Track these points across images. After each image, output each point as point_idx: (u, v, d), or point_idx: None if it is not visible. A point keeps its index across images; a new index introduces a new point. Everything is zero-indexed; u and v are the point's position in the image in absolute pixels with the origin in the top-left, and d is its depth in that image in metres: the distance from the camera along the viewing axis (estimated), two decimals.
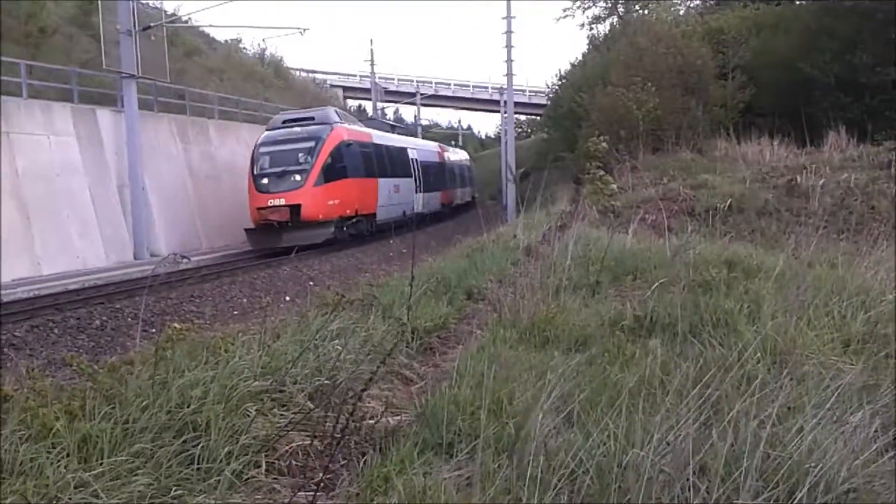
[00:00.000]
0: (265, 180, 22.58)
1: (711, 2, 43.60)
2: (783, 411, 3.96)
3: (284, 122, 24.40)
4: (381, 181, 27.05)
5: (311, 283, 16.13)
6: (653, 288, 7.07)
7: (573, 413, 4.01)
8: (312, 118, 24.32)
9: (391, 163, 29.01)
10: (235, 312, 13.08)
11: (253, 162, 23.24)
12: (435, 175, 36.38)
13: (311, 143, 22.82)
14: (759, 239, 14.64)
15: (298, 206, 21.89)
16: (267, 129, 24.55)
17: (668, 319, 6.17)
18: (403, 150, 32.12)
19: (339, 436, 3.49)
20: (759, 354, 5.12)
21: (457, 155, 47.10)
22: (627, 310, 6.66)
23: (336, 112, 25.80)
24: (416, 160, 32.77)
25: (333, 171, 22.92)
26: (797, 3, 33.45)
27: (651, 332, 6.04)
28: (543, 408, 3.85)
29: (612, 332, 6.14)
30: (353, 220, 24.06)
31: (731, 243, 11.46)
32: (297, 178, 22.27)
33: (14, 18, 28.28)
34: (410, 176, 31.57)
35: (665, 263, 8.65)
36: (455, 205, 41.13)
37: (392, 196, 28.17)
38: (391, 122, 36.67)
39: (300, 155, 22.61)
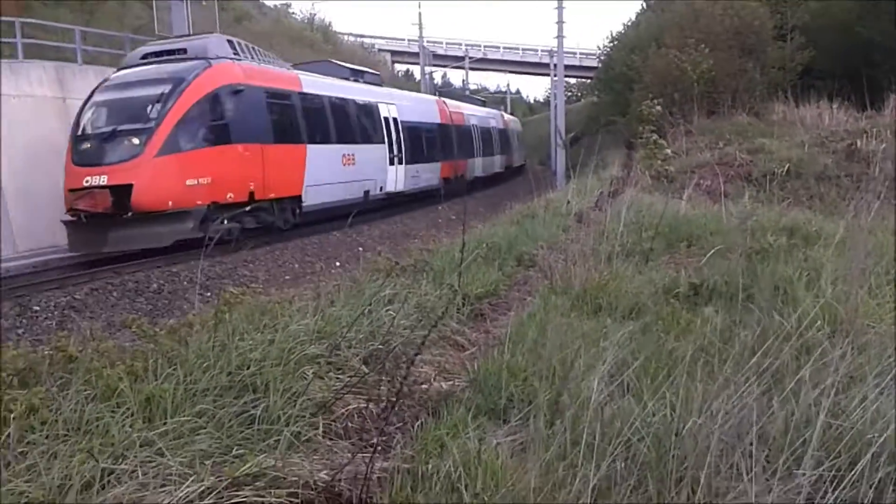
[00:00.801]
0: (86, 146, 14.52)
1: None
2: (844, 381, 3.88)
3: (144, 56, 16.27)
4: (314, 149, 18.53)
5: (361, 248, 16.22)
6: (708, 255, 6.96)
7: (628, 381, 3.99)
8: (184, 50, 15.99)
9: (339, 122, 20.25)
10: (287, 277, 13.25)
11: (78, 119, 15.21)
12: (431, 141, 27.46)
13: (166, 88, 14.58)
14: (817, 205, 14.29)
15: (128, 187, 13.66)
16: (117, 70, 16.60)
17: (724, 287, 6.07)
18: (369, 106, 22.59)
19: (393, 399, 3.53)
20: (819, 323, 5.01)
21: (485, 115, 38.28)
22: (682, 277, 6.57)
23: (233, 43, 16.89)
24: (396, 120, 23.84)
25: (201, 133, 14.91)
26: None
27: (707, 300, 5.95)
28: (598, 375, 3.83)
29: (667, 300, 6.08)
30: (249, 207, 15.47)
31: (789, 209, 11.20)
32: (135, 141, 14.07)
33: None
34: (381, 142, 22.81)
35: (721, 230, 8.51)
36: (476, 177, 33.24)
37: (337, 171, 19.72)
38: (353, 67, 24.42)
39: (148, 107, 14.34)
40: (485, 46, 70.40)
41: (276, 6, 44.84)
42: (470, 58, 63.86)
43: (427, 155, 26.74)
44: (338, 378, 4.28)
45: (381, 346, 4.63)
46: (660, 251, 8.09)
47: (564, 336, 4.93)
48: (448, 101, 32.47)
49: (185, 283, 12.64)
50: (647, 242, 8.05)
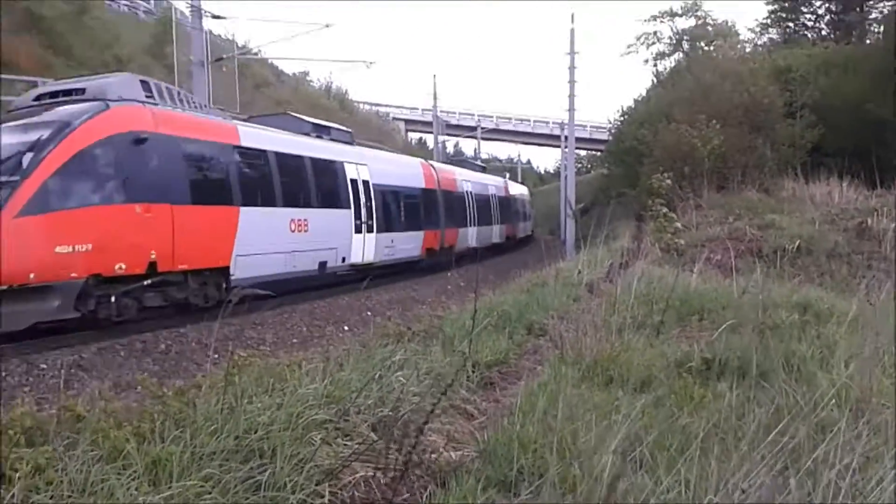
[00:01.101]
0: None
1: (778, 40, 43.18)
2: (862, 461, 3.81)
3: (38, 98, 13.60)
4: (249, 212, 15.44)
5: (370, 312, 16.21)
6: (720, 329, 6.91)
7: (641, 456, 3.92)
8: (82, 90, 13.16)
9: (288, 182, 17.34)
10: (295, 340, 13.19)
11: None
12: (412, 207, 24.49)
13: (44, 134, 11.90)
14: (828, 282, 14.25)
15: None
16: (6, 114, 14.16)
17: (737, 363, 6.01)
18: (331, 165, 19.52)
19: (402, 469, 3.47)
20: (833, 401, 4.95)
21: (484, 181, 35.52)
22: (694, 351, 6.52)
23: (148, 84, 13.84)
24: (367, 183, 20.88)
25: (82, 188, 12.09)
26: (867, 43, 32.81)
27: (719, 376, 5.89)
28: (611, 449, 3.77)
29: (679, 374, 6.02)
30: (150, 280, 12.97)
31: (801, 286, 11.16)
32: None
33: (94, 47, 29.69)
34: (345, 206, 19.69)
35: (733, 305, 8.47)
36: (463, 250, 28.72)
37: (282, 238, 16.71)
38: (316, 122, 21.24)
39: (23, 157, 11.55)
40: (497, 117, 71.66)
41: (294, 74, 46.00)
42: (482, 128, 64.91)
43: (406, 223, 23.70)
44: (346, 444, 4.22)
45: (390, 413, 4.58)
46: (671, 324, 8.05)
47: (575, 408, 4.88)
48: (437, 164, 30.19)
49: (194, 344, 12.59)
50: (657, 315, 8.01)
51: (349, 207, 19.90)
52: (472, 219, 30.57)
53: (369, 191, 20.89)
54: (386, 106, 69.40)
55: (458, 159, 44.00)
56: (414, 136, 73.99)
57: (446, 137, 65.94)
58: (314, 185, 18.45)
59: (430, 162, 29.64)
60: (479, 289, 12.00)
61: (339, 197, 19.66)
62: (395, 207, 23.08)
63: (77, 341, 11.80)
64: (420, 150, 60.77)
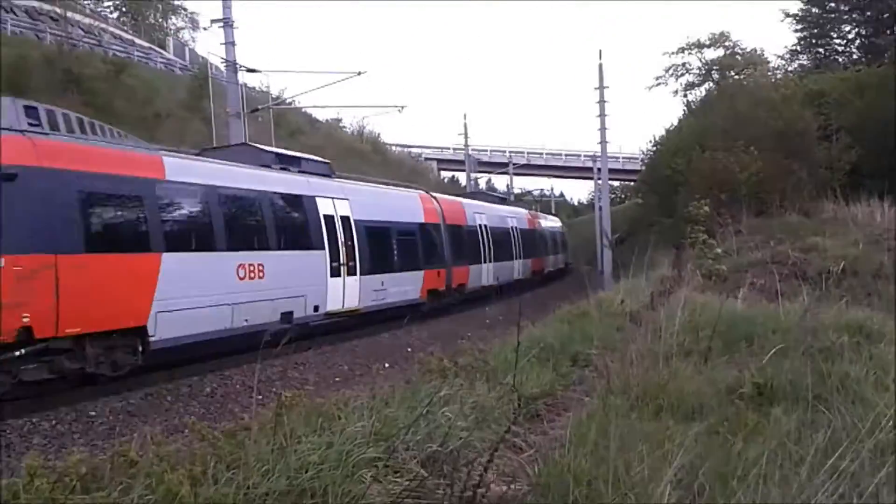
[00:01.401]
0: None
1: (809, 65, 42.90)
2: None
3: None
4: (176, 259, 12.95)
5: (410, 349, 16.21)
6: (770, 354, 6.79)
7: (698, 485, 3.83)
8: None
9: (236, 222, 15.13)
10: (337, 379, 13.23)
11: None
12: (407, 245, 21.97)
13: None
14: (875, 303, 13.92)
15: None
16: None
17: (789, 387, 5.89)
18: (297, 200, 17.24)
19: None
20: (892, 423, 4.81)
21: (502, 213, 33.14)
22: (745, 377, 6.40)
23: (36, 111, 11.44)
24: (347, 219, 18.54)
25: None
26: None
27: (772, 401, 5.76)
28: (667, 480, 3.69)
29: (730, 401, 5.90)
30: (30, 348, 10.43)
31: (848, 307, 10.92)
32: None
33: (131, 104, 30.59)
34: (317, 247, 17.28)
35: (781, 328, 8.30)
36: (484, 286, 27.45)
37: (226, 287, 14.07)
38: (280, 152, 19.11)
39: None
40: (528, 152, 72.00)
41: (327, 120, 46.82)
42: (514, 164, 65.15)
43: (400, 262, 21.03)
44: (395, 481, 4.20)
45: (439, 449, 4.55)
46: (718, 351, 7.90)
47: (626, 438, 4.80)
48: (441, 196, 26.99)
49: (238, 386, 12.70)
50: (705, 342, 7.88)
51: (322, 248, 17.39)
52: (488, 254, 28.09)
53: (350, 228, 18.42)
54: (418, 147, 70.24)
55: (471, 192, 40.34)
56: (446, 175, 74.53)
57: (478, 175, 66.27)
58: (273, 224, 16.05)
59: (434, 194, 26.33)
60: (516, 321, 11.95)
61: (309, 236, 17.17)
62: (386, 245, 20.57)
63: (124, 388, 11.97)
64: (452, 188, 61.12)
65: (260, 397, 10.91)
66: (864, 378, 6.04)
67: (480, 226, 28.05)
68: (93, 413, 10.51)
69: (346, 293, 18.04)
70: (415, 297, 21.70)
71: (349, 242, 18.33)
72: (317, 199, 17.65)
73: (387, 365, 13.39)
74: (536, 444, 5.56)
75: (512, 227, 32.56)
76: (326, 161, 20.39)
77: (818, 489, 3.45)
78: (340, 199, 18.62)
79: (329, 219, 17.82)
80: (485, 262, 27.65)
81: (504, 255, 30.12)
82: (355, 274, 18.45)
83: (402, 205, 22.71)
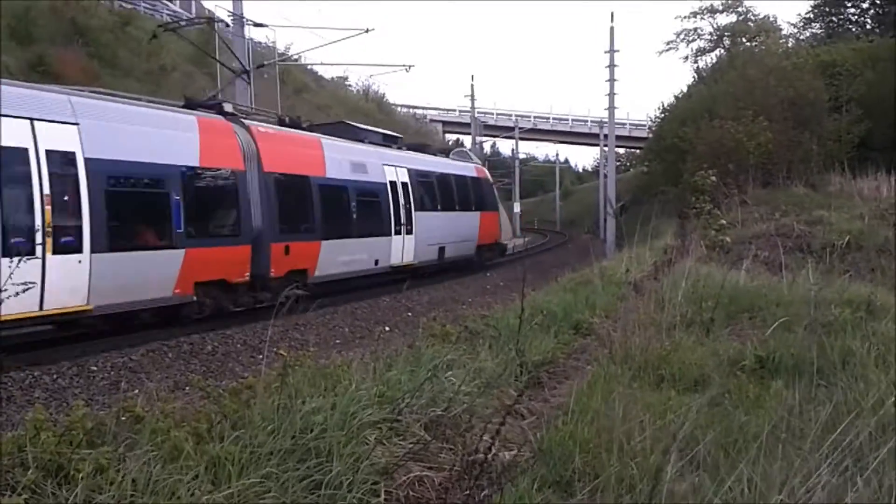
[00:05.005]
0: None
1: (822, 35, 42.38)
2: None
3: None
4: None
5: (410, 313, 16.25)
6: (773, 327, 6.79)
7: (699, 456, 3.85)
8: None
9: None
10: (338, 341, 13.29)
11: None
12: (157, 207, 13.13)
13: None
14: (879, 278, 13.91)
15: None
16: None
17: (792, 361, 5.90)
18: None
19: (464, 470, 3.45)
20: (893, 399, 4.82)
21: (363, 155, 20.04)
22: (747, 349, 6.41)
23: None
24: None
25: None
26: None
27: (775, 374, 5.78)
28: (669, 449, 3.71)
29: (732, 373, 5.92)
30: None
31: (852, 282, 10.91)
32: None
33: (137, 56, 30.32)
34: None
35: (783, 301, 8.30)
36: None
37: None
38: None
39: None
40: (534, 117, 71.39)
41: (333, 78, 46.38)
42: (520, 128, 64.68)
43: (144, 235, 12.99)
44: (399, 444, 4.22)
45: (442, 413, 4.57)
46: (721, 322, 7.91)
47: (629, 408, 4.82)
48: (259, 126, 16.06)
49: (239, 345, 12.74)
50: (707, 313, 7.89)
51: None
52: (353, 225, 18.51)
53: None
54: (423, 108, 69.67)
55: (332, 124, 22.55)
56: (451, 137, 74.11)
57: (484, 138, 65.89)
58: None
59: (242, 120, 15.70)
60: (517, 288, 11.95)
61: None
62: (121, 208, 12.30)
63: (126, 343, 12.02)
64: (450, 148, 60.81)
65: (260, 357, 10.98)
66: (867, 354, 6.04)
67: (340, 179, 18.31)
68: (94, 368, 10.55)
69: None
70: (165, 294, 13.01)
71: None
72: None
73: (388, 329, 13.42)
74: (539, 412, 5.59)
75: (390, 183, 20.48)
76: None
77: (821, 464, 3.47)
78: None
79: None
80: (351, 235, 18.39)
81: (369, 227, 19.31)
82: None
83: (145, 134, 12.90)
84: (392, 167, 20.84)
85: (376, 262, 19.59)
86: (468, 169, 27.71)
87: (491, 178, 31.12)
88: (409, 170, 21.65)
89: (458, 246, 24.57)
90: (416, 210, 21.28)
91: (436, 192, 23.37)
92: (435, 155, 25.73)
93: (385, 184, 20.17)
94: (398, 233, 20.46)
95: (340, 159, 18.58)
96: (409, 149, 23.86)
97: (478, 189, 27.31)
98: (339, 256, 17.84)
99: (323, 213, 17.27)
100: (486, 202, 27.96)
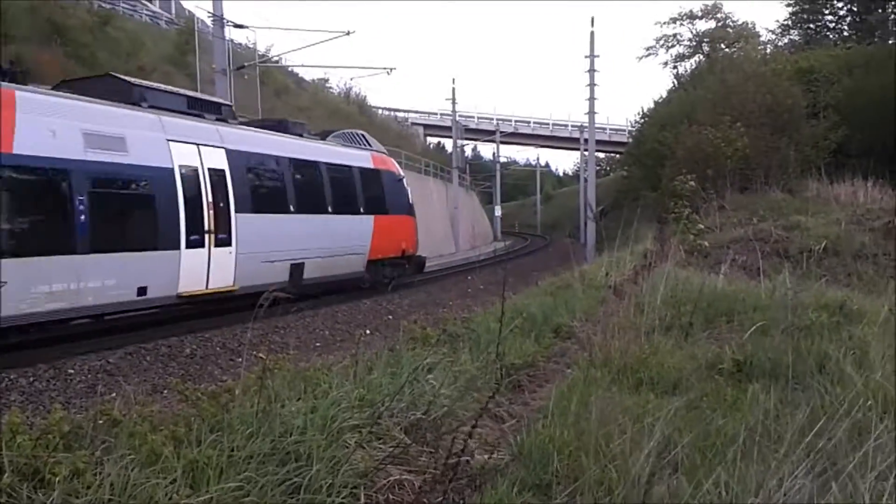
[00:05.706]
0: None
1: (800, 41, 42.91)
2: None
3: None
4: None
5: (391, 316, 16.23)
6: (750, 331, 6.86)
7: (677, 458, 3.88)
8: None
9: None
10: (318, 344, 13.24)
11: None
12: None
13: None
14: (855, 283, 14.09)
15: None
16: None
17: (769, 364, 5.96)
18: None
19: (442, 473, 3.46)
20: (869, 402, 4.89)
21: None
22: (725, 353, 6.46)
23: None
24: None
25: None
26: (890, 42, 32.51)
27: (752, 377, 5.84)
28: (646, 452, 3.74)
29: (710, 376, 5.97)
30: None
31: (828, 286, 11.04)
32: None
33: (116, 57, 30.05)
34: None
35: (761, 306, 8.38)
36: None
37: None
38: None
39: None
40: (516, 121, 71.62)
41: (314, 80, 46.30)
42: (501, 132, 64.85)
43: None
44: (379, 448, 4.22)
45: (422, 416, 4.58)
46: (699, 326, 7.98)
47: (607, 411, 4.85)
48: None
49: (218, 348, 12.66)
50: (685, 317, 7.95)
51: None
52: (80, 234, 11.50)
53: None
54: (405, 111, 69.71)
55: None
56: (432, 141, 74.17)
57: (465, 141, 65.97)
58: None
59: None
60: (498, 292, 11.98)
61: None
62: None
63: (103, 346, 11.91)
64: (438, 155, 60.81)
65: (239, 360, 10.92)
66: (843, 358, 6.11)
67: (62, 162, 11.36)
68: (71, 371, 10.44)
69: None
70: None
71: None
72: None
73: (368, 331, 13.40)
74: (518, 415, 5.61)
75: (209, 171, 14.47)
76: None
77: (796, 467, 3.51)
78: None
79: None
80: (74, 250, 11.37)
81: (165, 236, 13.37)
82: None
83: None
84: (191, 145, 14.05)
85: (141, 292, 12.70)
86: (358, 158, 20.54)
87: (402, 171, 23.28)
88: (228, 151, 14.99)
89: (330, 262, 18.15)
90: (238, 211, 14.92)
91: (286, 187, 17.01)
92: (302, 136, 18.79)
93: (169, 169, 13.27)
94: (196, 244, 13.76)
95: (60, 127, 11.35)
96: (256, 127, 18.26)
97: (373, 185, 20.76)
98: (39, 286, 10.83)
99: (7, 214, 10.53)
100: (390, 203, 21.33)
